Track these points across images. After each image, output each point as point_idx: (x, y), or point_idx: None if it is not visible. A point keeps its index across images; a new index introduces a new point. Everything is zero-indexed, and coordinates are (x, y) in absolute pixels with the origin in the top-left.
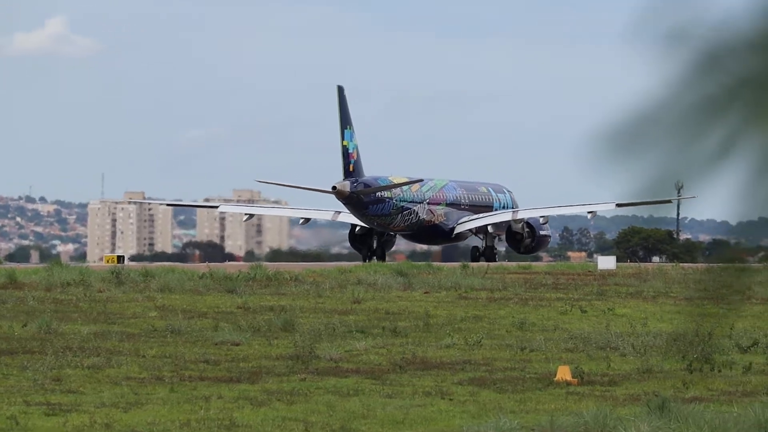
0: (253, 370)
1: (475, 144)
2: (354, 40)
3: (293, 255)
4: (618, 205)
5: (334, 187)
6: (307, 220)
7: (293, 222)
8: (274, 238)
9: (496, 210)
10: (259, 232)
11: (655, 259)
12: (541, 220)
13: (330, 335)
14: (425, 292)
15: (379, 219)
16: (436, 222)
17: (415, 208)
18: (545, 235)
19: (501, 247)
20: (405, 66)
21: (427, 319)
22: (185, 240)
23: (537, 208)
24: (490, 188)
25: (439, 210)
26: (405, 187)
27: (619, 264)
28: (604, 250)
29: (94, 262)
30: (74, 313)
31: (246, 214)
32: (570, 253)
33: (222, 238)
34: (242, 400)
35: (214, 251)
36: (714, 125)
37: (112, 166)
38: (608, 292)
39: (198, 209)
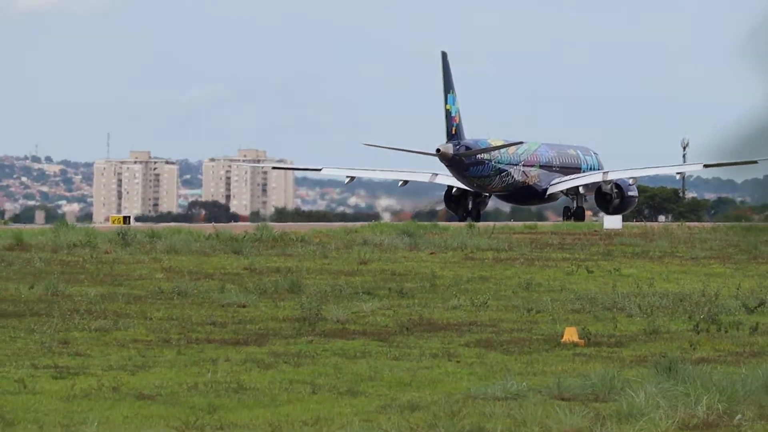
0: (260, 332)
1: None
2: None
3: (299, 215)
4: (705, 166)
5: (438, 150)
6: (406, 182)
7: (299, 181)
8: (280, 198)
9: (584, 171)
10: (264, 191)
11: (661, 218)
12: (630, 181)
13: (336, 297)
14: (431, 253)
15: (479, 180)
16: (530, 183)
17: (511, 170)
18: (633, 196)
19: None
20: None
21: (433, 280)
22: (191, 200)
23: (626, 169)
24: (578, 150)
25: (533, 172)
26: (503, 150)
27: (625, 223)
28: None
29: (100, 222)
30: (81, 274)
31: (348, 176)
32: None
33: (228, 197)
34: (249, 363)
35: (219, 211)
36: None
37: (118, 126)
38: (614, 252)
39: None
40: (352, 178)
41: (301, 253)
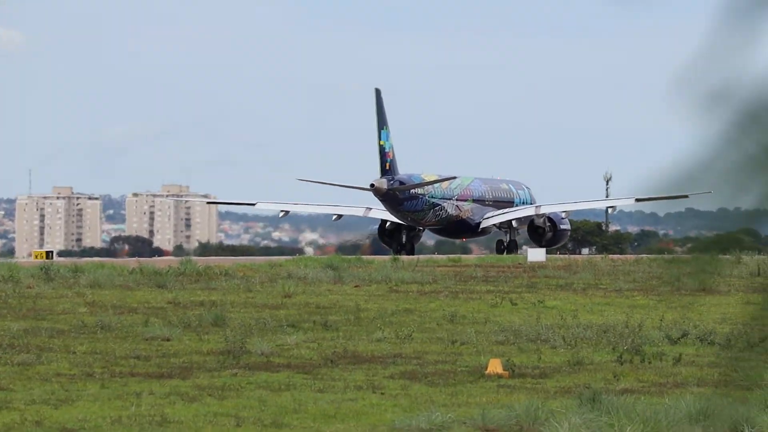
0: (184, 365)
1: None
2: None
3: (222, 249)
4: (637, 200)
5: (372, 185)
6: (340, 216)
7: (222, 216)
8: (204, 232)
9: (516, 205)
10: (188, 226)
11: (585, 251)
12: (562, 214)
13: (261, 330)
14: (356, 286)
15: (413, 214)
16: (464, 217)
17: (444, 204)
18: (565, 229)
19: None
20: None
21: (357, 313)
22: (114, 235)
23: (558, 203)
24: (510, 185)
25: (466, 206)
26: (436, 185)
27: (549, 256)
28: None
29: (23, 257)
30: (3, 309)
31: (282, 210)
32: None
33: (151, 232)
34: (173, 396)
35: (142, 246)
36: (754, 183)
37: (40, 162)
38: (538, 284)
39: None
40: (287, 212)
41: (225, 286)
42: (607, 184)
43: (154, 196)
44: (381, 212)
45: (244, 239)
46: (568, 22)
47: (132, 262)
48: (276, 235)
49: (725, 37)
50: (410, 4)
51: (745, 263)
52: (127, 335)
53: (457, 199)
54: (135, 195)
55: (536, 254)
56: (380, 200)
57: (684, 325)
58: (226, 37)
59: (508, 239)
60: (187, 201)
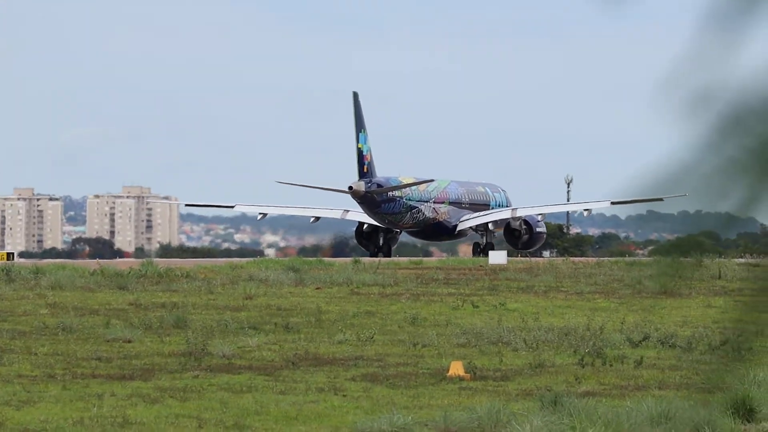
0: (146, 367)
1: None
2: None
3: (183, 251)
4: (613, 203)
5: (350, 187)
6: (317, 218)
7: (184, 218)
8: (165, 234)
9: (492, 208)
10: (149, 227)
11: (546, 253)
12: (538, 217)
13: (222, 332)
14: (317, 288)
15: (390, 217)
16: (440, 219)
17: (421, 206)
18: (541, 232)
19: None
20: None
21: (319, 315)
22: (75, 236)
23: (534, 206)
24: (487, 188)
25: (443, 208)
26: (413, 187)
27: (510, 259)
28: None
29: None
30: None
31: (260, 213)
32: (460, 247)
33: (112, 233)
34: (135, 398)
35: (103, 247)
36: (736, 188)
37: (0, 163)
38: (500, 286)
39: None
40: (265, 214)
41: (186, 288)
42: (568, 186)
43: (115, 197)
44: (359, 214)
45: (205, 241)
46: (548, 26)
47: (93, 263)
48: (237, 237)
49: (708, 41)
50: (389, 8)
51: (706, 266)
52: (88, 337)
53: (434, 202)
54: (96, 196)
55: (497, 257)
56: (358, 203)
57: (645, 328)
58: (197, 38)
59: (484, 242)
60: (149, 203)
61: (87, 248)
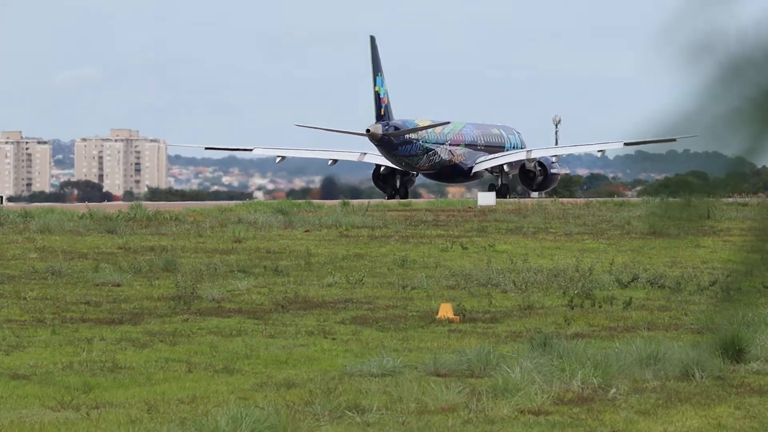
0: (135, 311)
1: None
2: None
3: (172, 194)
4: (626, 144)
5: (368, 130)
6: (335, 161)
7: (172, 160)
8: (153, 177)
9: (507, 150)
10: (137, 170)
11: (534, 194)
12: (552, 159)
13: (211, 275)
14: (306, 231)
15: (407, 159)
16: (456, 162)
17: (438, 149)
18: (556, 173)
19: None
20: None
21: (308, 258)
22: (63, 180)
23: (549, 147)
24: (502, 130)
25: (459, 150)
26: (430, 130)
27: (499, 200)
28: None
29: None
30: None
31: (278, 156)
32: (449, 188)
33: (100, 177)
34: (124, 342)
35: (92, 191)
36: (736, 136)
37: None
38: (488, 228)
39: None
40: (283, 157)
41: (175, 232)
42: (556, 127)
43: (103, 140)
44: (376, 157)
45: (194, 184)
46: None
47: (82, 207)
48: (226, 179)
49: None
50: None
51: (695, 206)
52: (77, 281)
53: (450, 144)
54: (84, 140)
55: (486, 198)
56: (375, 145)
57: (634, 268)
58: None
59: (500, 183)
60: (137, 146)
61: (75, 192)
